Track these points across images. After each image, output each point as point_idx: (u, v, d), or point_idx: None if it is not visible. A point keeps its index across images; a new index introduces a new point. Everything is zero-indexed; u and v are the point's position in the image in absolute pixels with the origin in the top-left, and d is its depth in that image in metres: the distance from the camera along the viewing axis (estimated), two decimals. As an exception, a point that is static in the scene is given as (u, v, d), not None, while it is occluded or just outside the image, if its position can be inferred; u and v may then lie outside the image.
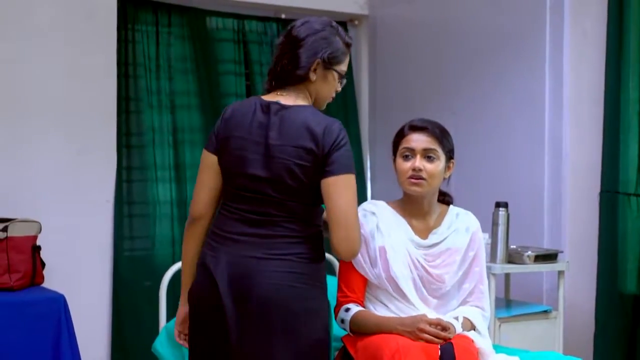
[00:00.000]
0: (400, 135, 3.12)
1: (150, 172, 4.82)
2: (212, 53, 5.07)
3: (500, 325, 4.00)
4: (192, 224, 2.84)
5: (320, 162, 2.65)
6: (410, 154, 3.07)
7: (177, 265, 3.97)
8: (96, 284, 4.61)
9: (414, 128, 3.09)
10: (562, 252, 4.25)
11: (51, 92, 4.49)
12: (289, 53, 2.75)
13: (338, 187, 2.65)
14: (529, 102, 4.63)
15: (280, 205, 2.68)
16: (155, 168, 4.83)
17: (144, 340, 4.11)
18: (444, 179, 3.14)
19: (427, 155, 3.05)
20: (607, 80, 4.40)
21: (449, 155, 3.12)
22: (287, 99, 2.74)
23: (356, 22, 5.59)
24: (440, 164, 3.07)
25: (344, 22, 5.56)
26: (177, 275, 4.13)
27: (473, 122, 4.98)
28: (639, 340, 4.27)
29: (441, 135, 3.08)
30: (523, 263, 4.09)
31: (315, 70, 2.74)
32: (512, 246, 4.21)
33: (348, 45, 2.84)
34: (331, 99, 2.89)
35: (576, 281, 4.46)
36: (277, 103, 2.72)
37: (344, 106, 5.50)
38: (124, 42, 4.81)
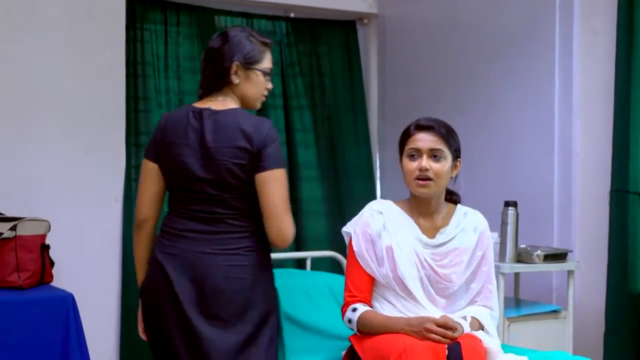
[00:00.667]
0: (406, 135, 3.11)
1: (158, 172, 4.80)
2: (221, 52, 5.06)
3: (509, 325, 3.98)
4: (138, 227, 3.06)
5: (255, 159, 2.87)
6: (416, 153, 3.06)
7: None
8: (105, 282, 4.61)
9: (420, 127, 3.08)
10: (571, 251, 4.23)
11: (60, 92, 4.48)
12: (210, 63, 2.99)
13: (268, 182, 2.86)
14: (539, 101, 4.61)
15: (224, 203, 2.90)
16: (163, 168, 4.81)
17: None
18: (451, 178, 3.13)
19: (434, 154, 3.04)
20: (617, 78, 4.37)
21: (456, 155, 3.11)
22: (216, 104, 2.96)
23: (365, 21, 5.58)
24: (446, 163, 3.06)
25: (353, 21, 5.55)
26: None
27: (482, 121, 4.96)
28: (649, 341, 4.26)
29: (447, 135, 3.07)
30: (532, 262, 4.07)
31: (236, 72, 2.96)
32: (521, 245, 4.19)
33: (265, 44, 3.04)
34: (264, 97, 3.07)
35: (586, 281, 4.44)
36: (208, 109, 2.94)
37: (353, 106, 5.49)
38: (133, 41, 4.81)
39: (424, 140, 3.05)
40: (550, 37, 4.53)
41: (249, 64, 2.98)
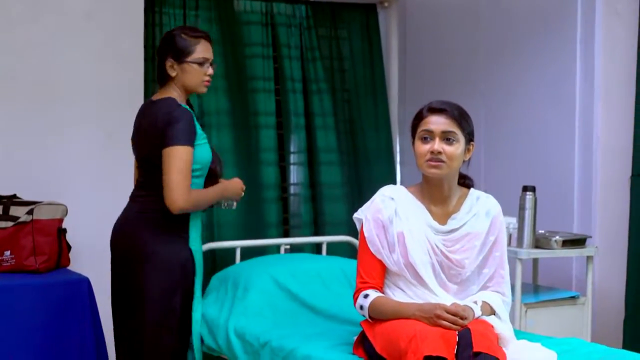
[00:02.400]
0: (418, 118, 3.08)
1: (177, 156, 4.81)
2: (240, 36, 5.04)
3: (526, 311, 3.95)
4: None
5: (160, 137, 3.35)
6: (429, 136, 3.02)
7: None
8: (124, 267, 4.62)
9: (433, 110, 3.05)
10: (590, 237, 4.19)
11: (79, 76, 4.48)
12: (155, 64, 3.58)
13: (165, 157, 3.32)
14: (560, 84, 4.56)
15: (152, 173, 3.40)
16: (182, 151, 4.82)
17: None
18: (464, 161, 3.08)
19: (446, 137, 3.01)
20: (639, 63, 4.30)
21: (469, 138, 3.07)
22: (157, 95, 3.49)
23: (386, 4, 5.52)
24: (459, 146, 3.02)
25: (374, 4, 5.50)
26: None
27: (503, 105, 4.92)
28: (669, 327, 4.20)
29: (460, 118, 3.03)
30: (551, 248, 4.03)
31: (172, 67, 3.43)
32: (540, 231, 4.16)
33: (197, 37, 3.45)
34: (206, 83, 3.48)
35: (606, 266, 4.40)
36: (150, 100, 3.52)
37: (373, 90, 5.45)
38: (152, 25, 4.79)
39: (437, 122, 3.01)
40: (572, 20, 4.48)
41: (180, 58, 3.41)
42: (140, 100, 4.63)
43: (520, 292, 3.92)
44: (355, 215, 3.18)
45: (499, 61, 4.95)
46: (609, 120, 4.40)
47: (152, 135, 3.36)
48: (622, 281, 4.37)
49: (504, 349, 2.90)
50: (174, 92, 3.44)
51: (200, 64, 3.43)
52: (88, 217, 4.44)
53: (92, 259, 4.41)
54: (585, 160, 4.43)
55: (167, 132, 3.30)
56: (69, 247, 4.16)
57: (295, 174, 5.21)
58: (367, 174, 5.32)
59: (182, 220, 3.45)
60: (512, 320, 3.86)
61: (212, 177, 3.51)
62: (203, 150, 3.43)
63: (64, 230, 4.12)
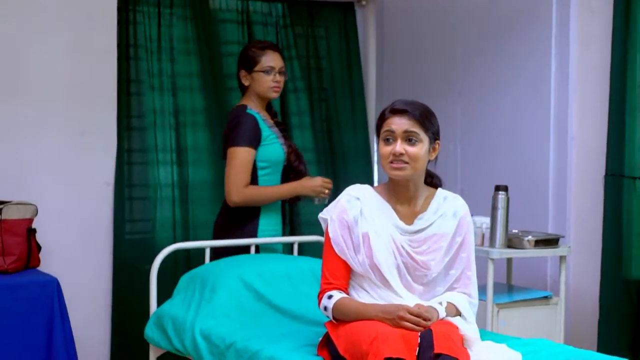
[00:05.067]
0: (381, 119, 3.05)
1: (151, 155, 4.77)
2: (215, 34, 5.01)
3: (498, 311, 3.92)
4: None
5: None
6: (391, 137, 2.99)
7: (168, 250, 3.93)
8: (96, 267, 4.58)
9: (395, 111, 3.02)
10: (563, 236, 4.16)
11: (51, 74, 4.45)
12: None
13: (227, 156, 3.94)
14: (535, 83, 4.54)
15: None
16: (156, 150, 4.77)
17: (144, 324, 4.08)
18: (429, 161, 3.06)
19: (408, 138, 2.97)
20: (613, 60, 4.29)
21: (434, 137, 3.03)
22: (238, 104, 4.06)
23: (364, 3, 5.49)
24: (423, 146, 2.99)
25: (351, 3, 5.47)
26: (167, 260, 4.11)
27: (480, 104, 4.90)
28: (643, 327, 4.18)
29: (423, 117, 2.99)
30: (523, 248, 4.01)
31: (245, 77, 4.01)
32: (513, 230, 4.13)
33: (262, 48, 4.01)
34: (274, 89, 4.02)
35: (581, 267, 4.38)
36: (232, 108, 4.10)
37: (350, 89, 5.41)
38: (125, 23, 4.75)
39: (399, 123, 2.98)
40: (548, 17, 4.46)
41: (250, 68, 3.97)
42: (113, 99, 4.61)
43: (492, 292, 3.89)
44: (320, 215, 3.14)
45: (476, 60, 4.93)
46: (583, 119, 4.38)
47: (224, 139, 3.98)
48: (597, 282, 4.34)
49: (468, 350, 2.88)
50: (249, 99, 4.01)
51: (267, 72, 3.96)
52: (59, 217, 4.42)
53: (62, 259, 4.40)
54: (560, 160, 4.41)
55: (230, 135, 3.90)
56: (39, 248, 4.13)
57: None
58: (343, 173, 5.29)
59: (250, 213, 3.97)
60: (484, 321, 3.84)
61: (297, 174, 4.04)
62: (271, 149, 3.96)
63: (34, 231, 4.09)
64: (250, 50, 4.03)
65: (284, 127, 4.19)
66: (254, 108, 3.97)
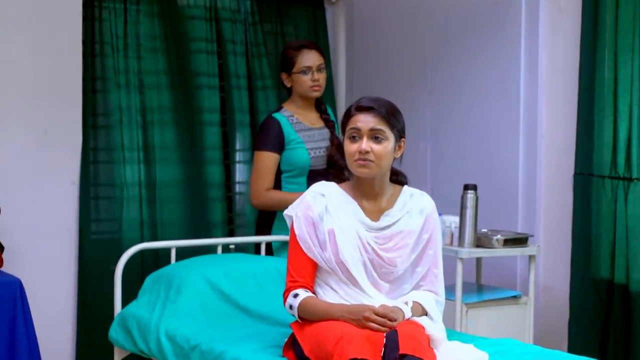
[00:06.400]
0: (347, 116, 3.02)
1: (117, 153, 4.69)
2: (183, 31, 4.93)
3: (467, 311, 3.89)
4: None
5: None
6: (357, 135, 2.96)
7: (132, 250, 3.88)
8: (61, 267, 4.51)
9: (361, 108, 2.99)
10: (532, 236, 4.14)
11: (14, 71, 4.37)
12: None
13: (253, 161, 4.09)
14: (505, 81, 4.52)
15: None
16: (122, 149, 4.70)
17: (110, 325, 4.03)
18: (395, 158, 3.03)
19: (374, 136, 2.95)
20: (582, 58, 4.27)
21: (400, 135, 3.00)
22: None
23: (333, 1, 5.45)
24: (388, 144, 2.96)
25: (321, 1, 5.42)
26: (134, 260, 4.05)
27: (450, 103, 4.87)
28: (612, 327, 4.15)
29: (388, 115, 2.97)
30: (492, 247, 3.98)
31: (286, 79, 4.10)
32: (482, 230, 4.10)
33: (297, 48, 4.05)
34: (315, 88, 4.07)
35: (550, 266, 4.36)
36: None
37: (320, 87, 5.37)
38: (91, 20, 4.66)
39: (364, 121, 2.95)
40: (517, 15, 4.44)
41: (289, 71, 4.05)
42: (78, 97, 4.54)
43: (461, 291, 3.86)
44: (286, 212, 3.11)
45: (446, 58, 4.90)
46: (553, 117, 4.35)
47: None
48: (567, 281, 4.33)
49: (435, 350, 2.85)
50: (291, 100, 4.14)
51: (304, 72, 4.02)
52: (22, 217, 4.33)
53: (26, 259, 4.32)
54: (529, 158, 4.39)
55: (256, 138, 4.13)
56: (2, 248, 4.05)
57: (240, 173, 5.11)
58: (313, 171, 5.24)
59: (269, 214, 4.09)
60: (453, 321, 3.81)
61: (338, 170, 3.83)
62: (295, 154, 4.03)
63: (-5, 230, 4.02)
64: (287, 51, 4.08)
65: (332, 124, 4.24)
66: (292, 109, 4.10)
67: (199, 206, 4.87)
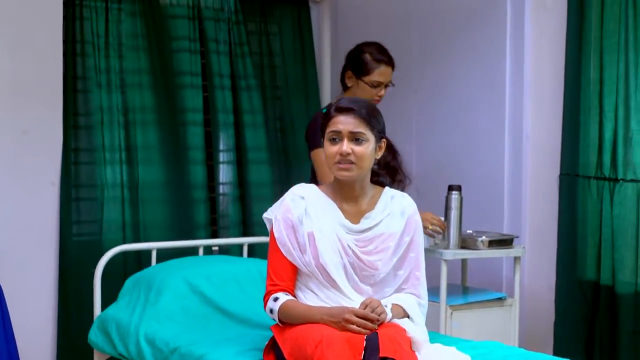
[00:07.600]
0: (327, 118, 2.98)
1: (98, 154, 4.63)
2: (165, 30, 4.87)
3: (452, 313, 3.85)
4: None
5: None
6: (337, 137, 2.93)
7: (112, 252, 3.83)
8: (41, 268, 4.45)
9: (340, 110, 2.95)
10: (517, 237, 4.10)
11: (-7, 71, 4.33)
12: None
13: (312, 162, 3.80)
14: (490, 81, 4.48)
15: None
16: (104, 149, 4.64)
17: (90, 327, 3.98)
18: (375, 159, 2.98)
19: (355, 137, 2.91)
20: (568, 58, 4.24)
21: (380, 136, 2.96)
22: None
23: (318, 0, 5.41)
24: (369, 145, 2.92)
25: (306, 0, 5.38)
26: (116, 262, 4.00)
27: (435, 103, 4.83)
28: (598, 329, 4.12)
29: (369, 116, 2.92)
30: (477, 249, 3.94)
31: (350, 78, 3.85)
32: (468, 231, 4.06)
33: (379, 61, 3.84)
34: (374, 101, 3.70)
35: (536, 267, 4.32)
36: None
37: (304, 87, 5.32)
38: (72, 19, 4.61)
39: (345, 122, 2.91)
40: (502, 15, 4.40)
41: (359, 75, 3.82)
42: (59, 96, 4.48)
43: (445, 293, 3.82)
44: (265, 215, 3.07)
45: (431, 58, 4.86)
46: (538, 118, 4.32)
47: None
48: (552, 282, 4.29)
49: (417, 353, 2.81)
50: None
51: (374, 85, 3.83)
52: (2, 219, 4.30)
53: (6, 261, 4.27)
54: (515, 159, 4.35)
55: (307, 138, 3.87)
56: (-21, 250, 4.00)
57: (224, 173, 5.06)
58: (297, 173, 5.17)
59: None
60: (437, 323, 3.77)
61: (390, 170, 3.58)
62: None
63: (-27, 232, 3.97)
64: (365, 56, 3.89)
65: None
66: None
67: (182, 207, 4.82)
